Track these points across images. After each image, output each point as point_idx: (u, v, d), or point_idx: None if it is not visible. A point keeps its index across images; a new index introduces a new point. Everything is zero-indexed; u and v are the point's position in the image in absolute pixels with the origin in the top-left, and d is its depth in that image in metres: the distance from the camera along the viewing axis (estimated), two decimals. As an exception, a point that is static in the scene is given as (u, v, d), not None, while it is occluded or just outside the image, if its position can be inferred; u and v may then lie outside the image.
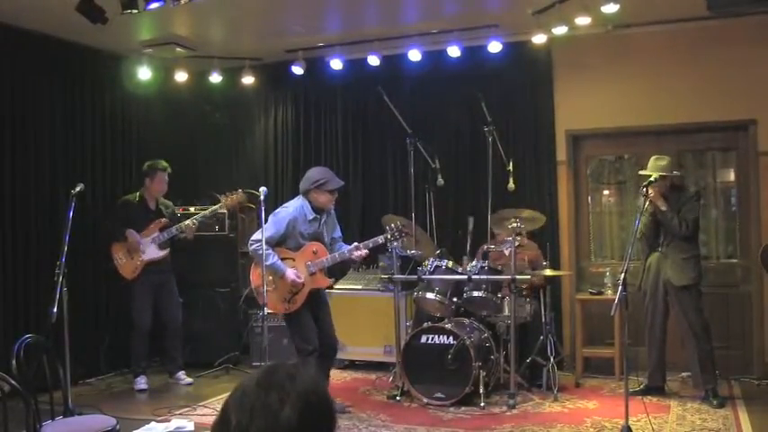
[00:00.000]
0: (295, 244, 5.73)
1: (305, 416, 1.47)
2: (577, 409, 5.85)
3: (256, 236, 5.64)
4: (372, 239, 5.85)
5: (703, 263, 7.09)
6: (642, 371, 6.29)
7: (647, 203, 5.80)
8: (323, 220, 5.83)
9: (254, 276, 5.80)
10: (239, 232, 8.02)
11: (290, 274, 5.60)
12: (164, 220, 6.87)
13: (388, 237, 5.81)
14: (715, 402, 5.79)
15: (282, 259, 5.66)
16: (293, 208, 5.74)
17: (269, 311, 5.79)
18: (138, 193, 6.93)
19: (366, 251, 5.85)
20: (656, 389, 6.15)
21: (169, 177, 6.98)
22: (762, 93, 6.74)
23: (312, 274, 5.71)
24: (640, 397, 5.86)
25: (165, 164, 6.93)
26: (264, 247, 5.48)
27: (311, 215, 5.73)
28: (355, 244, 5.82)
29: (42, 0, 5.92)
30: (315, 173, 5.82)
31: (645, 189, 5.58)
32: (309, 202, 5.73)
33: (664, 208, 5.90)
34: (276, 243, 5.67)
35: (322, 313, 5.88)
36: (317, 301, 5.85)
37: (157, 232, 6.77)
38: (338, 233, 6.04)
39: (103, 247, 6.79)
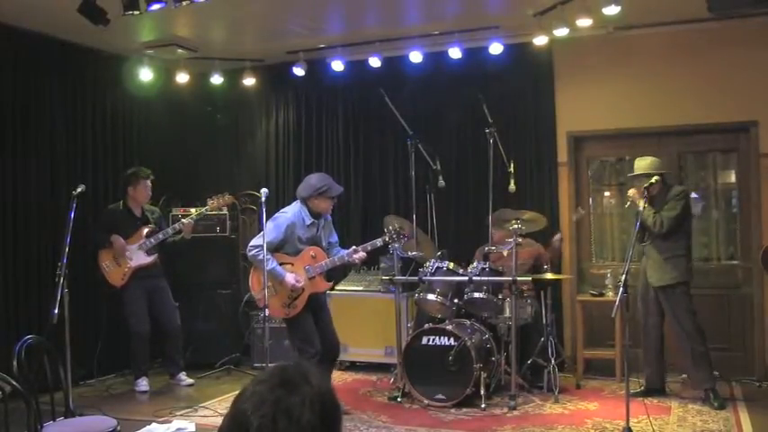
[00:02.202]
0: (293, 249, 5.73)
1: (324, 414, 1.49)
2: (578, 411, 5.85)
3: (254, 241, 5.63)
4: (371, 242, 5.86)
5: (704, 264, 7.11)
6: (643, 372, 6.28)
7: (628, 203, 5.82)
8: (320, 225, 5.84)
9: (254, 282, 5.81)
10: (240, 233, 8.04)
11: (290, 278, 5.60)
12: (150, 226, 6.84)
13: (387, 239, 5.83)
14: (716, 404, 5.78)
15: (281, 264, 5.66)
16: (291, 213, 5.74)
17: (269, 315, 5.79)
18: (121, 202, 6.90)
19: (364, 254, 5.86)
20: (656, 391, 6.15)
21: (168, 179, 6.95)
22: (763, 94, 6.74)
23: (311, 278, 5.72)
24: (641, 398, 5.86)
25: (147, 171, 6.88)
26: (261, 252, 5.44)
27: (309, 220, 5.74)
28: (353, 247, 5.84)
29: (44, 1, 5.93)
30: (316, 180, 5.82)
31: (646, 191, 5.60)
32: (308, 207, 5.75)
33: (641, 206, 5.79)
34: (275, 248, 5.65)
35: (322, 317, 5.88)
36: (317, 304, 5.85)
37: (144, 238, 6.74)
38: (334, 238, 6.04)
39: (90, 256, 6.74)
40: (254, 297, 5.95)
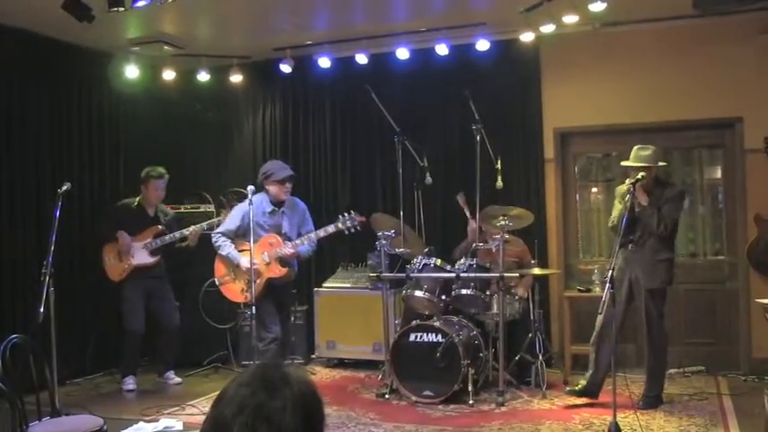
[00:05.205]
0: (255, 235, 5.88)
1: (306, 416, 1.49)
2: (566, 406, 5.87)
3: (218, 229, 6.20)
4: (323, 228, 6.13)
5: (690, 260, 7.16)
6: (630, 368, 6.31)
7: (628, 197, 5.55)
8: (281, 212, 6.09)
9: (218, 266, 6.25)
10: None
11: (244, 262, 5.91)
12: (160, 227, 6.82)
13: (339, 225, 6.05)
14: (641, 403, 5.67)
15: (240, 251, 6.03)
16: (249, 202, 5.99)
17: (231, 300, 6.30)
18: (137, 199, 6.90)
19: (309, 242, 6.15)
20: (591, 394, 5.86)
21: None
22: (748, 90, 6.78)
23: (267, 263, 6.00)
24: (629, 393, 5.86)
25: (160, 170, 6.86)
26: (222, 238, 6.07)
27: (269, 207, 6.08)
28: (309, 235, 6.14)
29: (28, -2, 5.88)
30: (264, 166, 6.25)
31: (632, 187, 5.40)
32: (267, 195, 6.06)
33: (645, 203, 5.59)
34: (236, 235, 6.09)
35: (282, 312, 6.22)
36: (280, 296, 6.18)
37: (151, 239, 6.73)
38: (309, 226, 6.27)
39: (93, 249, 6.73)
40: (217, 282, 6.27)
